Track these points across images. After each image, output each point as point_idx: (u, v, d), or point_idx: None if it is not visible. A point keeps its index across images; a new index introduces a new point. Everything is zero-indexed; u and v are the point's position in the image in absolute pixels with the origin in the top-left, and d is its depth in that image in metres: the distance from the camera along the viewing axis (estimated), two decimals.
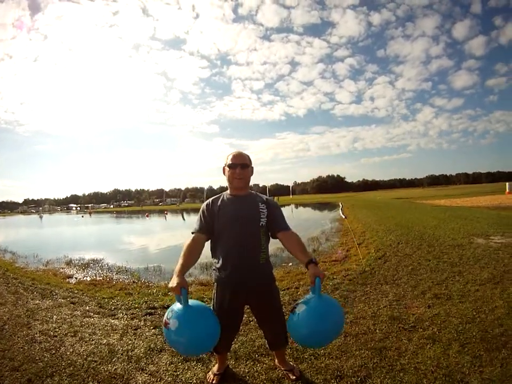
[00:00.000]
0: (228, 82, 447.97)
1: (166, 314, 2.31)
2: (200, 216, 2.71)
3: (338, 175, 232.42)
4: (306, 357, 3.26)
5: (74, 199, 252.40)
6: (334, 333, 2.42)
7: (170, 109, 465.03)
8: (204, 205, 2.77)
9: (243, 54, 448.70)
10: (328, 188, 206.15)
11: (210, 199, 2.79)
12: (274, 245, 2.82)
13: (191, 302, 2.32)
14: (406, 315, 4.06)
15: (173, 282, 2.23)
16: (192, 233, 2.66)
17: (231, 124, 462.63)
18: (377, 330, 3.72)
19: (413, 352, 3.20)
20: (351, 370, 2.98)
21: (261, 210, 2.66)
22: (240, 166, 2.67)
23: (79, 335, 4.19)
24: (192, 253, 2.52)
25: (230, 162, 2.68)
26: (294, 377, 2.92)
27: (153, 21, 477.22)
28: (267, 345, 3.04)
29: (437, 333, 3.53)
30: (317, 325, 2.27)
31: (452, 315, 3.93)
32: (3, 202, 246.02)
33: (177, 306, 2.28)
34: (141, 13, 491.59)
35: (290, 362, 3.11)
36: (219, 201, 2.73)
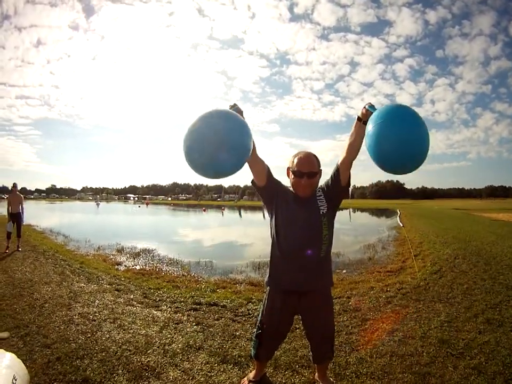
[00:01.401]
0: (288, 82, 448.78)
1: None
2: (276, 179, 2.56)
3: (397, 181, 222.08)
4: (348, 374, 3.07)
5: (132, 189, 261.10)
6: (413, 133, 1.96)
7: None
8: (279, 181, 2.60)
9: (302, 53, 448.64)
10: (387, 193, 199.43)
11: (285, 185, 2.61)
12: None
13: None
14: (455, 339, 3.77)
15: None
16: None
17: (291, 124, 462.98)
18: (424, 353, 3.46)
19: (457, 382, 2.94)
20: None
21: (318, 198, 2.46)
22: (307, 175, 2.41)
23: (118, 322, 4.22)
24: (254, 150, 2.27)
25: (296, 169, 2.42)
26: None
27: (209, 21, 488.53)
28: (310, 357, 2.86)
29: (484, 363, 3.23)
30: (388, 126, 1.95)
31: (502, 345, 3.62)
32: (61, 188, 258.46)
33: None
34: (197, 13, 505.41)
35: (331, 378, 2.93)
36: (287, 192, 2.54)
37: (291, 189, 2.55)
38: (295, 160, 2.45)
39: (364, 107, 2.24)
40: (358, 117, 2.28)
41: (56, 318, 4.28)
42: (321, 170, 2.54)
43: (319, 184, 2.56)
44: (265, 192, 2.51)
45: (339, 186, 2.46)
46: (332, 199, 2.48)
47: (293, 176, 2.44)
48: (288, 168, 2.51)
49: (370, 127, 2.01)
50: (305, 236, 2.40)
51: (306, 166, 2.41)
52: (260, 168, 2.43)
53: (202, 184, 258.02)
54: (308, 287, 2.48)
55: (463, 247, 10.33)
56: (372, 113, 2.09)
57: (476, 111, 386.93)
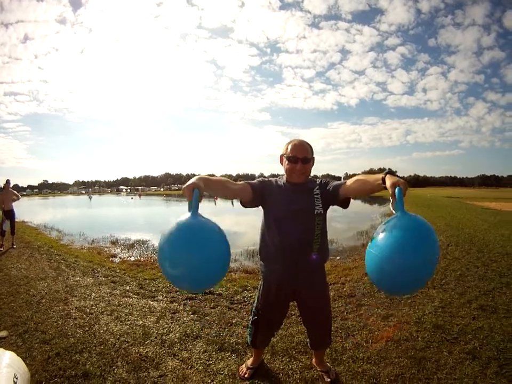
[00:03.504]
0: (278, 70, 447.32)
1: None
2: (257, 181, 2.50)
3: (389, 169, 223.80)
4: (345, 359, 3.12)
5: (124, 181, 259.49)
6: (424, 266, 1.65)
7: (221, 96, 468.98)
8: (262, 178, 2.57)
9: (292, 41, 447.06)
10: None
11: (269, 179, 2.58)
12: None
13: (204, 217, 1.81)
14: (450, 325, 3.83)
15: (188, 182, 1.86)
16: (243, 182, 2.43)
17: (282, 112, 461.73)
18: (419, 338, 3.52)
19: (452, 366, 2.99)
20: (387, 379, 2.82)
21: (315, 196, 2.42)
22: (301, 160, 2.39)
23: (115, 314, 4.24)
24: (228, 183, 2.21)
25: (290, 155, 2.40)
26: (328, 379, 2.77)
27: (198, 10, 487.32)
28: (308, 344, 2.88)
29: (478, 348, 3.29)
30: (401, 252, 1.61)
31: (495, 330, 3.66)
32: (54, 183, 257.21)
33: (184, 215, 1.80)
34: (185, 2, 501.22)
35: (328, 364, 2.96)
36: (275, 185, 2.50)
37: (280, 181, 2.54)
38: (289, 147, 2.43)
39: (395, 185, 1.76)
40: (383, 179, 1.91)
41: (54, 313, 4.29)
42: (313, 157, 2.53)
43: (320, 180, 2.55)
44: (255, 202, 2.45)
45: (334, 201, 2.43)
46: (326, 203, 2.45)
47: (287, 162, 2.42)
48: (281, 156, 2.50)
49: (374, 248, 1.72)
50: (299, 233, 2.38)
51: (301, 152, 2.40)
52: (241, 194, 2.35)
53: (194, 174, 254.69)
54: (301, 283, 2.49)
55: (456, 235, 10.37)
56: (395, 198, 1.74)
57: (469, 100, 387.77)
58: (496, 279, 5.55)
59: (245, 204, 2.43)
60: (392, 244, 1.65)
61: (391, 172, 1.92)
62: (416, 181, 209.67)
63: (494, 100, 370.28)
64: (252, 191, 2.36)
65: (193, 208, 1.79)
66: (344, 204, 2.41)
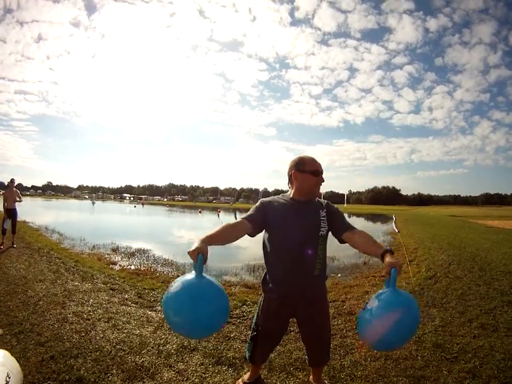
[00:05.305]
0: (286, 86, 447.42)
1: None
2: (255, 208, 2.48)
3: (393, 187, 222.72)
4: (343, 377, 3.08)
5: (128, 189, 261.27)
6: (408, 332, 2.01)
7: (229, 109, 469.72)
8: (261, 200, 2.54)
9: (301, 58, 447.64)
10: (383, 199, 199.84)
11: (269, 198, 2.57)
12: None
13: (208, 277, 2.02)
14: (450, 344, 3.79)
15: (192, 247, 1.96)
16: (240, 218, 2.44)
17: (288, 128, 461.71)
18: (419, 357, 3.48)
19: None
20: None
21: (321, 218, 2.42)
22: (321, 173, 2.46)
23: (113, 321, 4.21)
24: (228, 231, 2.26)
25: (314, 169, 2.42)
26: None
27: (210, 23, 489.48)
28: (306, 360, 2.86)
29: (478, 367, 3.25)
30: (389, 321, 1.89)
31: (496, 349, 3.64)
32: (57, 186, 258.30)
33: (189, 274, 1.99)
34: (198, 14, 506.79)
35: (325, 381, 2.93)
36: (278, 203, 2.48)
37: (284, 199, 2.52)
38: (307, 162, 2.44)
39: (392, 270, 1.94)
40: (383, 255, 2.06)
41: (50, 316, 4.27)
42: None
43: (327, 202, 2.57)
44: (258, 230, 2.46)
45: (334, 235, 2.49)
46: (329, 227, 2.45)
47: (311, 177, 2.42)
48: (294, 172, 2.46)
49: (366, 315, 1.99)
50: (303, 247, 2.36)
51: (320, 165, 2.47)
52: (244, 233, 2.38)
53: (198, 186, 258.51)
54: (301, 299, 2.47)
55: (458, 253, 10.34)
56: (389, 277, 1.97)
57: (474, 119, 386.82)
58: (498, 298, 5.55)
59: (251, 236, 2.44)
60: (382, 312, 1.92)
61: (391, 251, 2.07)
62: (420, 200, 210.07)
63: (498, 119, 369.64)
64: (251, 225, 2.38)
65: (199, 270, 1.96)
66: (341, 241, 2.47)
